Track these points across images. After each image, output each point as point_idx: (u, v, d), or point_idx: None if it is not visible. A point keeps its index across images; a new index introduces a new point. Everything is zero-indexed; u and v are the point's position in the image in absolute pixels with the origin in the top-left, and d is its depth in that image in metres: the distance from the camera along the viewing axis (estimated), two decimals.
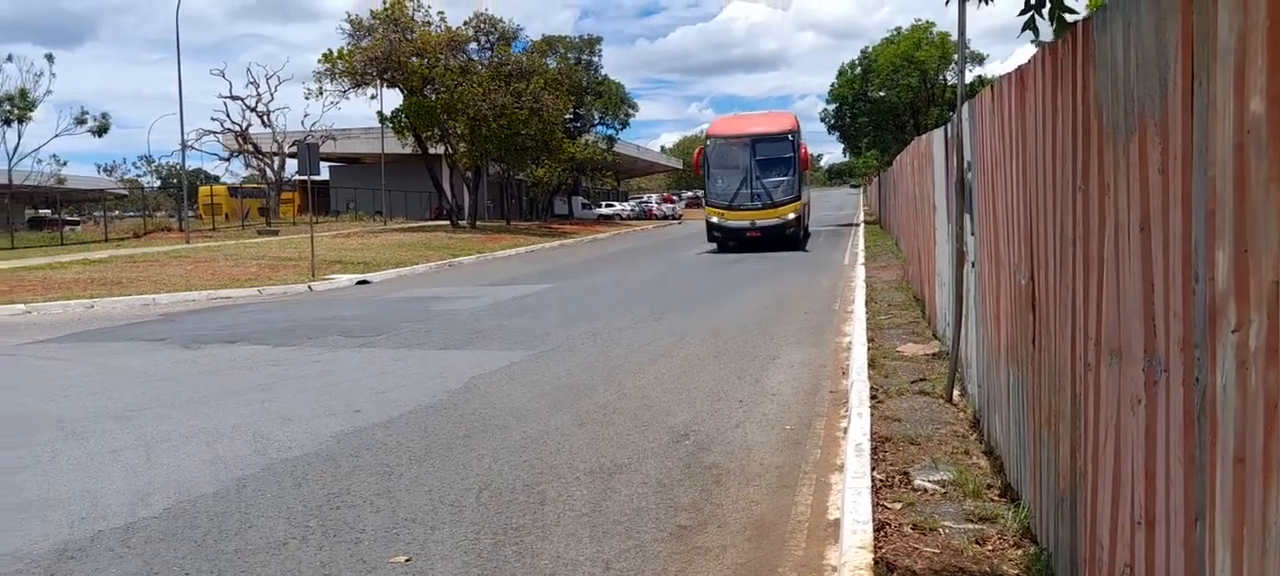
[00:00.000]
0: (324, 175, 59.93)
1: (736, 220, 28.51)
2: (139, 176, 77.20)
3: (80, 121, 50.02)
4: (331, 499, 5.74)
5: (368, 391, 9.01)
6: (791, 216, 28.37)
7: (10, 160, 47.64)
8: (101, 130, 51.06)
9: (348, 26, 41.02)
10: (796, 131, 29.49)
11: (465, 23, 43.84)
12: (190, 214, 45.19)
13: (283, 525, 5.29)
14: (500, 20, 45.18)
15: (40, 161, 50.53)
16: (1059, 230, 3.84)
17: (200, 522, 5.36)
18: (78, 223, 49.30)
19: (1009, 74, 4.93)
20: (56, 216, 46.03)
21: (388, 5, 40.57)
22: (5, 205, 43.12)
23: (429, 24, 41.56)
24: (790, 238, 28.39)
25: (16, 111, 46.35)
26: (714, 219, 29.14)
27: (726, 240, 28.98)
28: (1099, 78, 3.16)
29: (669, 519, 5.29)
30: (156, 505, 5.68)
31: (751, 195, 28.46)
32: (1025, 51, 9.17)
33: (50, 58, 77.62)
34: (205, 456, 6.75)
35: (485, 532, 5.10)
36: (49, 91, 63.45)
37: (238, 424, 7.73)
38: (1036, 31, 4.47)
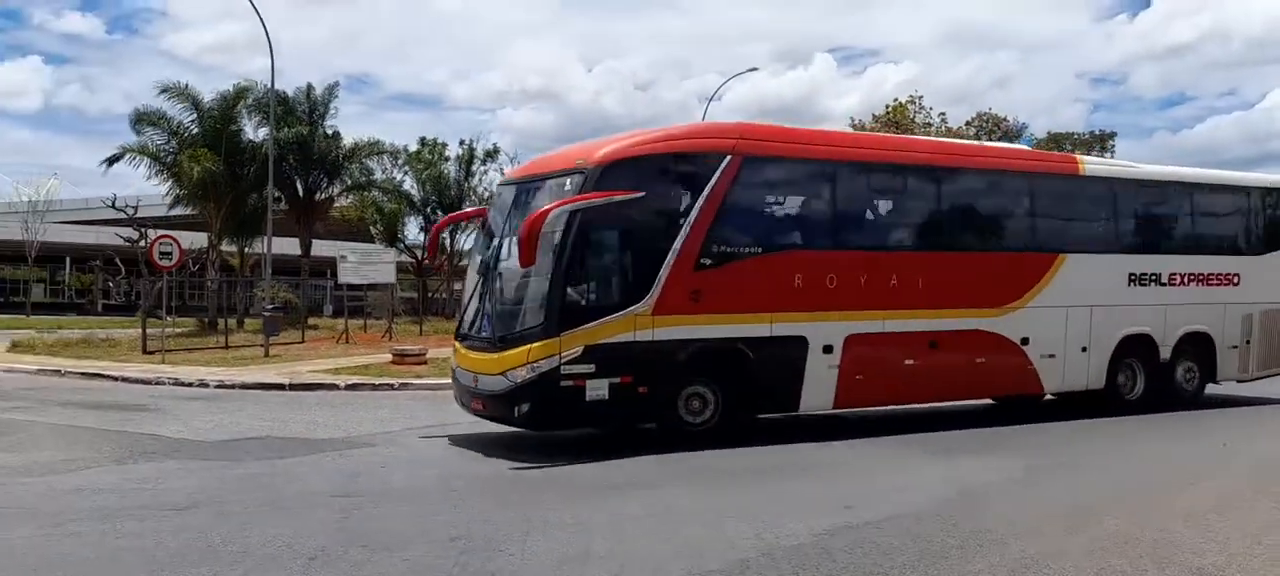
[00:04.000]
0: None
1: (462, 365, 12.25)
2: None
3: None
4: None
5: (859, 487, 9.16)
6: (522, 373, 10.79)
7: None
8: None
9: (850, 130, 42.54)
10: (595, 172, 11.01)
11: (967, 123, 43.33)
12: None
13: None
14: (1004, 118, 44.03)
15: None
16: None
17: None
18: None
19: None
20: None
21: (890, 109, 41.50)
22: None
23: (930, 126, 41.70)
24: (528, 417, 11.12)
25: None
26: (456, 365, 12.68)
27: (463, 402, 12.34)
28: None
29: None
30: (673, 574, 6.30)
31: (480, 314, 12.41)
32: None
33: None
34: (712, 536, 7.32)
35: None
36: None
37: (741, 507, 8.27)
38: None
